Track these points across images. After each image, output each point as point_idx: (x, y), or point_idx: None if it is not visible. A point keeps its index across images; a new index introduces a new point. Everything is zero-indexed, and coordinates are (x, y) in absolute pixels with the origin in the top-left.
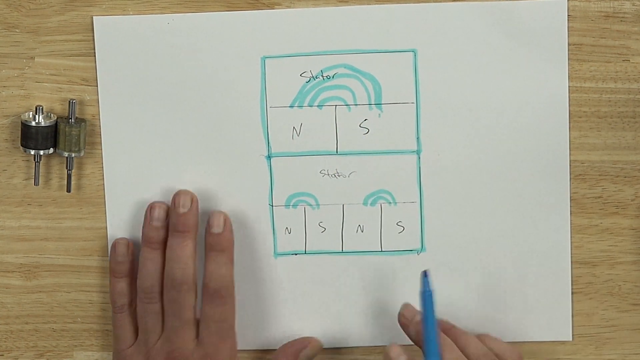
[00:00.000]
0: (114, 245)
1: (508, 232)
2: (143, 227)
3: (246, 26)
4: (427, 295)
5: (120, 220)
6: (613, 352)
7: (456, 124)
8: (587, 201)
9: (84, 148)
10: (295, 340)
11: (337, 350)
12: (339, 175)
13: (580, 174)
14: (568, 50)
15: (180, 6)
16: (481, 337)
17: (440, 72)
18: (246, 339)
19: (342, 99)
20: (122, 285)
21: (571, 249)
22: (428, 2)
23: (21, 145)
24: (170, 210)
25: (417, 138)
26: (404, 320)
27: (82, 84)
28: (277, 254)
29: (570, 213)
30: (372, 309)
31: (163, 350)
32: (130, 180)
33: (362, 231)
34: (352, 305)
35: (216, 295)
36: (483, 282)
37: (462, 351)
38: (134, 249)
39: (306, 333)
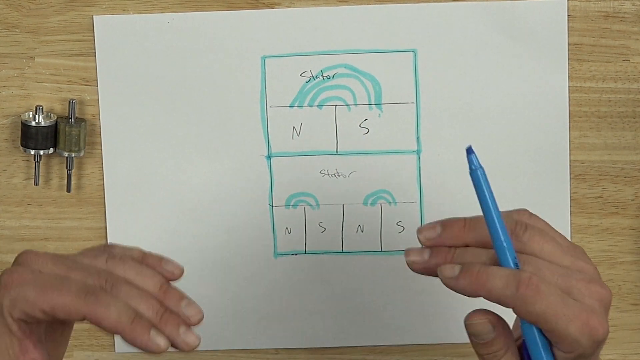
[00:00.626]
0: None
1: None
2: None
3: (246, 26)
4: (479, 174)
5: (120, 220)
6: (613, 352)
7: (456, 124)
8: (587, 201)
9: (84, 148)
10: None
11: (337, 349)
12: (339, 175)
13: (580, 174)
14: (568, 50)
15: (181, 6)
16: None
17: (440, 72)
18: (246, 338)
19: (342, 99)
20: None
21: None
22: (428, 2)
23: (21, 145)
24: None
25: (417, 138)
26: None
27: (82, 84)
28: (277, 254)
29: (570, 213)
30: (372, 309)
31: None
32: (130, 180)
33: (362, 231)
34: (352, 305)
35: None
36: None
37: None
38: None
39: (306, 333)
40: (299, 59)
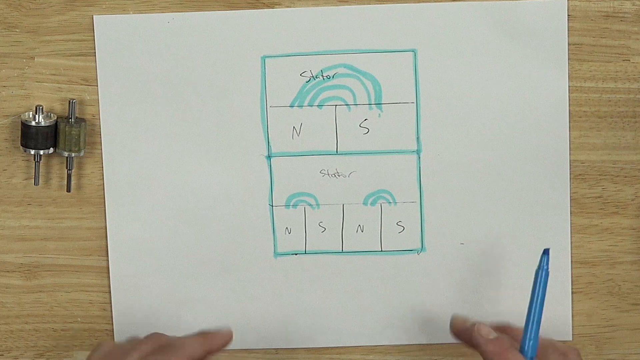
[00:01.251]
0: None
1: (508, 232)
2: None
3: (246, 26)
4: (543, 274)
5: (119, 220)
6: (613, 352)
7: (456, 124)
8: (587, 201)
9: (84, 148)
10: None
11: (336, 349)
12: (339, 175)
13: (580, 174)
14: (568, 50)
15: (181, 6)
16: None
17: (440, 72)
18: (246, 338)
19: (342, 98)
20: None
21: (571, 249)
22: (428, 2)
23: (21, 145)
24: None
25: (417, 138)
26: (456, 328)
27: (82, 84)
28: (277, 254)
29: (570, 213)
30: (372, 309)
31: None
32: (129, 179)
33: (362, 231)
34: (351, 305)
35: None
36: (483, 282)
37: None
38: None
39: (306, 333)
40: (299, 59)
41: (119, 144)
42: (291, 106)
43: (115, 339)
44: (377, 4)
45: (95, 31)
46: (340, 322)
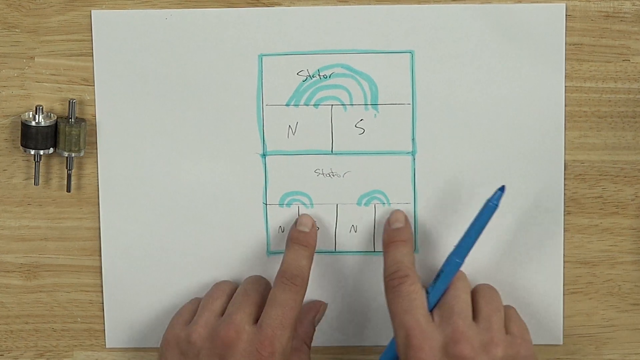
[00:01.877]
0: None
1: (502, 235)
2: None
3: (244, 23)
4: (490, 207)
5: (114, 219)
6: (613, 352)
7: (452, 126)
8: (587, 201)
9: (84, 148)
10: (306, 308)
11: (336, 349)
12: (333, 175)
13: (580, 174)
14: (565, 55)
15: (180, 5)
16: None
17: (437, 74)
18: None
19: (339, 98)
20: None
21: (571, 249)
22: (426, 3)
23: (21, 145)
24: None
25: (413, 139)
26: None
27: (82, 84)
28: (270, 253)
29: (570, 213)
30: (364, 309)
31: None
32: (124, 177)
33: (356, 231)
34: (343, 304)
35: (292, 282)
36: (475, 284)
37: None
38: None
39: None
40: (296, 58)
41: (114, 140)
42: (287, 105)
43: (107, 339)
44: (376, 4)
45: (92, 26)
46: (332, 322)
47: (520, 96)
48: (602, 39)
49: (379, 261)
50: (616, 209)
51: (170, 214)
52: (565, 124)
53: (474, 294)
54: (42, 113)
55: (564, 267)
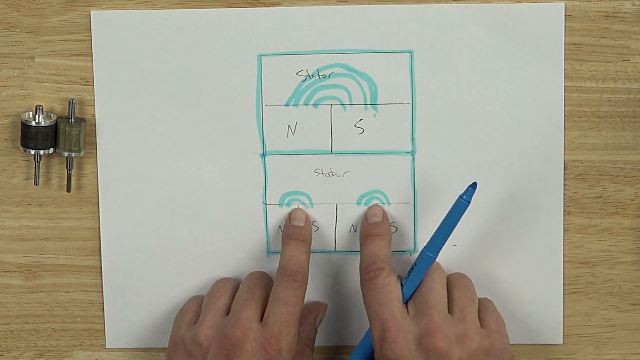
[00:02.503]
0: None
1: (501, 235)
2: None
3: (243, 23)
4: (462, 203)
5: (114, 219)
6: (613, 352)
7: (451, 126)
8: (587, 201)
9: (84, 148)
10: (306, 310)
11: (328, 349)
12: (333, 175)
13: (580, 174)
14: (565, 54)
15: (180, 5)
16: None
17: (436, 74)
18: None
19: (338, 98)
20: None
21: (571, 249)
22: (426, 3)
23: (21, 145)
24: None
25: (412, 139)
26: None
27: (82, 84)
28: (269, 252)
29: (570, 213)
30: (364, 309)
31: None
32: (124, 177)
33: (355, 231)
34: (343, 304)
35: (293, 278)
36: (476, 284)
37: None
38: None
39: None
40: (295, 58)
41: (114, 140)
42: (287, 105)
43: (107, 339)
44: (375, 4)
45: (92, 26)
46: (331, 321)
47: (520, 96)
48: (602, 39)
49: None
50: (616, 209)
51: (170, 214)
52: (565, 124)
53: (449, 284)
54: (42, 113)
55: (564, 267)
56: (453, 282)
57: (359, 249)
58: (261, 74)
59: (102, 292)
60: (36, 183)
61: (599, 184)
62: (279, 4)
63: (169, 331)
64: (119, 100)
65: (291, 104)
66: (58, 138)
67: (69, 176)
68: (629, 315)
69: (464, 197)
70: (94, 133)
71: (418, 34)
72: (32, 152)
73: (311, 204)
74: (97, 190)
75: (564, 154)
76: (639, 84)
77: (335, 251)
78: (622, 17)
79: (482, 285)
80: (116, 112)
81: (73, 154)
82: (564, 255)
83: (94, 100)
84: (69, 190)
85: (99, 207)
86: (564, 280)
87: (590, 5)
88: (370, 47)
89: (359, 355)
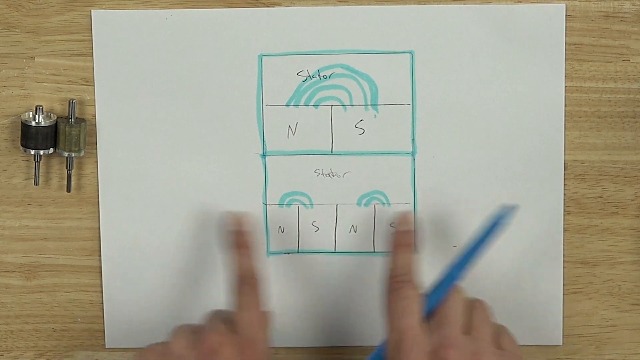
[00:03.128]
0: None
1: (502, 236)
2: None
3: (244, 24)
4: (498, 223)
5: (113, 218)
6: (613, 352)
7: (452, 127)
8: (587, 201)
9: (84, 148)
10: None
11: (328, 349)
12: (333, 175)
13: (580, 174)
14: (565, 55)
15: (180, 5)
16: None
17: (437, 74)
18: None
19: (338, 98)
20: None
21: (571, 249)
22: (426, 4)
23: (21, 145)
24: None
25: (413, 140)
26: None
27: (82, 84)
28: (269, 253)
29: (570, 213)
30: (363, 310)
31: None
32: (124, 177)
33: (356, 231)
34: (343, 305)
35: (246, 283)
36: (475, 285)
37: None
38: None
39: (297, 331)
40: (296, 58)
41: (114, 140)
42: (287, 105)
43: (107, 339)
44: (376, 4)
45: (92, 27)
46: (331, 322)
47: (520, 96)
48: (602, 39)
49: (378, 262)
50: (616, 209)
51: (170, 214)
52: (565, 124)
53: (469, 307)
54: (42, 113)
55: (564, 267)
56: (473, 306)
57: (359, 250)
58: (262, 74)
59: (102, 292)
60: (36, 183)
61: (599, 184)
62: (279, 4)
63: (169, 331)
64: (120, 100)
65: (292, 104)
66: (58, 138)
67: (69, 176)
68: (629, 315)
69: (503, 218)
70: (94, 133)
71: (419, 35)
72: (32, 152)
73: (311, 204)
74: (97, 190)
75: (564, 154)
76: (639, 84)
77: (335, 252)
78: (622, 17)
79: (482, 286)
80: (116, 112)
81: (73, 154)
82: (564, 255)
83: (94, 100)
84: (69, 190)
85: (99, 207)
86: (564, 280)
87: (590, 5)
88: (371, 48)
89: None
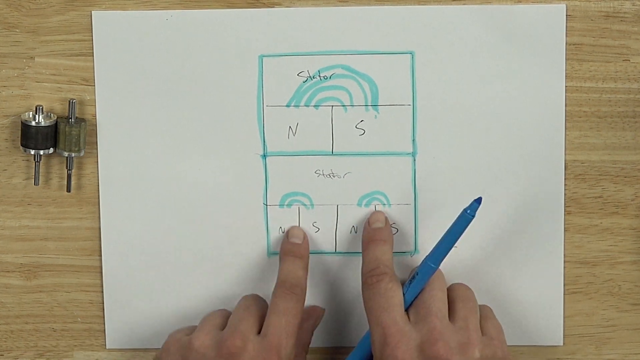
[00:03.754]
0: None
1: (502, 236)
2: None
3: (244, 24)
4: (466, 217)
5: (113, 219)
6: (613, 352)
7: (452, 127)
8: (587, 201)
9: (84, 148)
10: (304, 315)
11: (328, 350)
12: (334, 176)
13: (580, 174)
14: (566, 56)
15: (180, 6)
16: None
17: (437, 75)
18: None
19: (339, 99)
20: None
21: (571, 249)
22: (427, 4)
23: (21, 145)
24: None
25: (413, 140)
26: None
27: (82, 84)
28: (270, 254)
29: (570, 213)
30: (363, 310)
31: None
32: (124, 177)
33: (356, 232)
34: (343, 305)
35: (292, 291)
36: (476, 286)
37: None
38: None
39: None
40: (296, 59)
41: (114, 140)
42: (287, 106)
43: (107, 339)
44: (376, 5)
45: (93, 27)
46: (331, 322)
47: (520, 96)
48: (602, 39)
49: None
50: (616, 209)
51: (171, 214)
52: (565, 124)
53: (450, 293)
54: (42, 113)
55: (564, 267)
56: (455, 293)
57: (359, 250)
58: (262, 75)
59: (102, 292)
60: (36, 183)
61: (599, 184)
62: (279, 5)
63: (169, 331)
64: (120, 100)
65: (292, 104)
66: (58, 138)
67: (69, 176)
68: (629, 315)
69: (468, 211)
70: (94, 133)
71: (419, 35)
72: (32, 152)
73: (312, 205)
74: (97, 190)
75: (565, 154)
76: (639, 84)
77: (335, 252)
78: (622, 17)
79: (482, 286)
80: (117, 112)
81: (73, 154)
82: (564, 255)
83: (95, 100)
84: (69, 190)
85: (99, 207)
86: (564, 281)
87: (590, 5)
88: (371, 48)
89: (356, 357)
